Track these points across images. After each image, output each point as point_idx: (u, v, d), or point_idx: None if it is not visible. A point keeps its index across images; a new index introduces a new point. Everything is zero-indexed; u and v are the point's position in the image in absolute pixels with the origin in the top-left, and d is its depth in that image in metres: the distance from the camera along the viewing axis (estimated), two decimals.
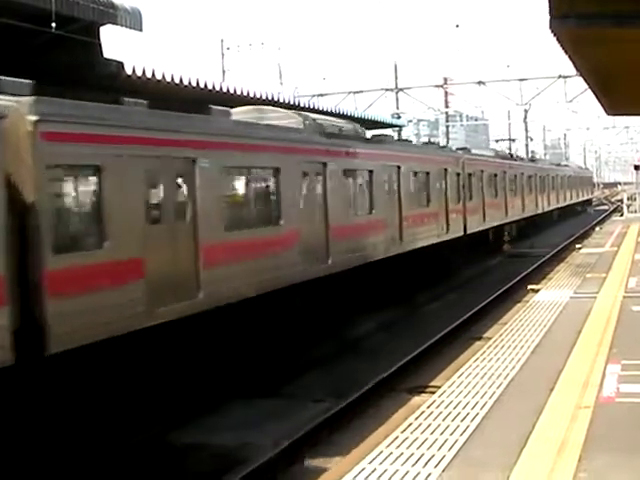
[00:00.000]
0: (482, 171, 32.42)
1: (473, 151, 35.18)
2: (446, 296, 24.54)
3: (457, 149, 37.64)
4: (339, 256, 17.47)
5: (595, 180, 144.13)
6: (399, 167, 22.02)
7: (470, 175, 30.28)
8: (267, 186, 15.52)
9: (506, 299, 23.14)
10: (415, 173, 23.81)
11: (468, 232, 29.03)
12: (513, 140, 66.26)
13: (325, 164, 17.36)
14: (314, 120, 18.31)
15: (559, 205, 55.99)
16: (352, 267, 18.20)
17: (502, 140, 52.91)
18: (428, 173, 24.88)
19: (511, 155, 46.27)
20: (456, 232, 27.54)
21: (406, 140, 28.12)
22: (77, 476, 10.20)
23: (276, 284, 14.80)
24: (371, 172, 20.02)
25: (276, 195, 15.46)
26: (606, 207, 77.42)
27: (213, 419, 12.50)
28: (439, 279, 25.93)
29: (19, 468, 9.67)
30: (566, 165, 72.25)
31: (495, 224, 34.45)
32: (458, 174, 28.54)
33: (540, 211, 47.01)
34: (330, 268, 17.16)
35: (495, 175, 34.96)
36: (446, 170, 26.88)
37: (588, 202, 79.51)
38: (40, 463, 9.92)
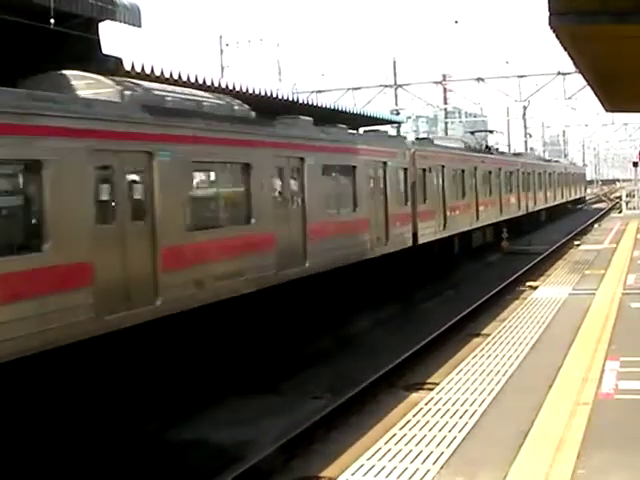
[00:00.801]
0: (443, 166, 27.00)
1: (436, 142, 30.51)
2: (444, 292, 24.54)
3: (417, 139, 34.74)
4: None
5: (594, 177, 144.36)
6: (302, 159, 16.69)
7: (425, 171, 24.90)
8: None
9: (505, 296, 23.14)
10: (329, 168, 18.10)
11: (420, 242, 23.62)
12: (490, 131, 59.33)
13: (151, 154, 11.97)
14: (143, 91, 12.96)
15: (547, 205, 51.17)
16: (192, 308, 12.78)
17: (478, 131, 45.54)
18: (354, 168, 19.32)
19: (488, 148, 39.82)
20: (400, 244, 22.09)
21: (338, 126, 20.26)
22: (75, 473, 10.19)
23: None
24: (247, 166, 14.63)
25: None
26: (603, 205, 75.99)
27: (211, 416, 12.49)
28: (438, 276, 25.93)
29: (17, 465, 9.66)
30: (556, 161, 68.82)
31: (462, 230, 29.21)
32: (405, 169, 22.97)
33: (523, 212, 42.02)
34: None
35: (462, 171, 29.83)
36: (385, 164, 21.27)
37: (581, 201, 76.04)
38: (38, 460, 9.91)
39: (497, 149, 43.13)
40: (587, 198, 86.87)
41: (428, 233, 24.63)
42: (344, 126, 21.12)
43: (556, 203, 55.32)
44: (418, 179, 24.24)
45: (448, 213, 27.06)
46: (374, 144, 21.20)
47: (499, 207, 35.82)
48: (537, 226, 46.85)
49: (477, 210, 31.44)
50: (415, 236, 23.37)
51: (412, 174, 23.58)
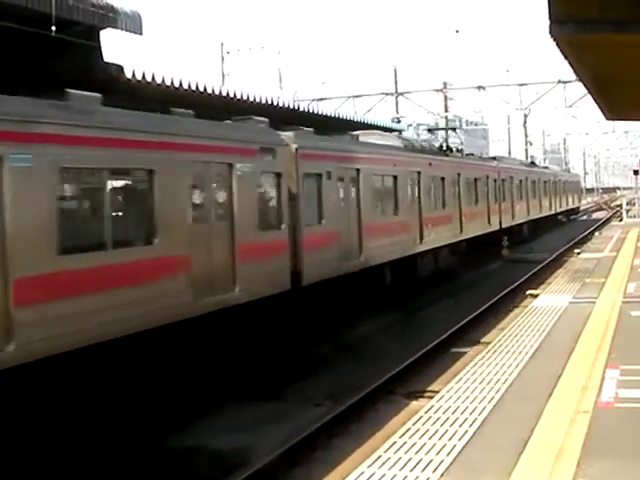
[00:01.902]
0: (357, 171, 19.73)
1: (361, 138, 22.22)
2: (445, 300, 24.52)
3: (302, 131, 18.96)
4: None
5: (594, 185, 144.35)
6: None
7: (319, 177, 17.84)
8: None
9: (505, 304, 23.12)
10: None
11: (307, 283, 16.74)
12: (453, 129, 42.06)
13: None
14: None
15: (531, 217, 44.35)
16: None
17: (437, 129, 38.98)
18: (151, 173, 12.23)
19: (446, 149, 31.97)
20: (261, 289, 14.94)
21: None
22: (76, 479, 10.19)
23: None
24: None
25: None
26: (601, 214, 73.45)
27: (211, 422, 12.49)
28: (438, 283, 25.92)
29: (17, 471, 9.66)
30: (545, 167, 62.42)
31: (396, 257, 22.12)
32: (278, 175, 15.94)
33: (495, 228, 34.76)
34: None
35: (395, 178, 22.46)
36: (232, 167, 14.29)
37: (575, 212, 69.66)
38: (39, 466, 9.91)
39: (460, 150, 34.44)
40: (585, 208, 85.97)
41: (326, 267, 17.45)
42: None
43: (543, 215, 48.69)
44: (304, 189, 17.00)
45: (367, 236, 19.75)
46: (213, 137, 14.17)
47: (459, 223, 28.82)
48: (519, 242, 41.34)
49: (422, 229, 24.34)
50: (297, 275, 16.33)
51: (292, 182, 16.48)
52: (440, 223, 26.37)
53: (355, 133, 22.10)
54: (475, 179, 31.95)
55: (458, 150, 34.09)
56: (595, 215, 74.47)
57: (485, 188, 33.53)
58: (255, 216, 14.95)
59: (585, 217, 72.77)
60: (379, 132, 26.01)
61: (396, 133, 28.80)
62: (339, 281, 18.39)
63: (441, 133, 42.63)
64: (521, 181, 41.90)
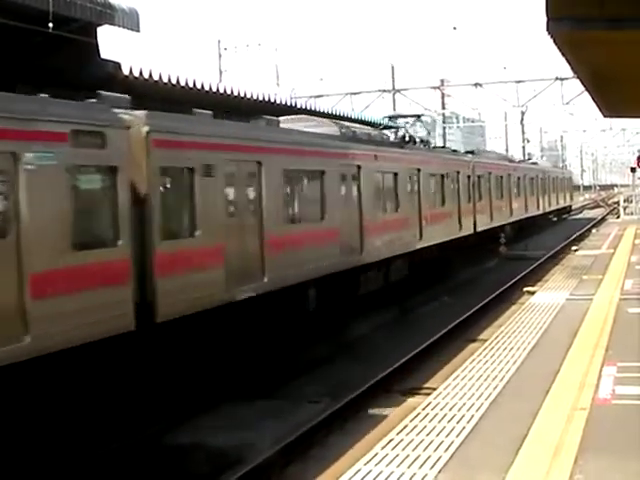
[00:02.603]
0: (259, 164, 14.85)
1: (282, 124, 17.80)
2: (442, 298, 24.53)
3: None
4: None
5: (592, 182, 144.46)
6: None
7: (190, 174, 12.96)
8: None
9: (502, 301, 23.13)
10: None
11: (162, 320, 11.98)
12: (418, 117, 32.28)
13: None
14: None
15: (512, 219, 39.18)
16: None
17: (399, 117, 32.56)
18: None
19: (407, 140, 27.50)
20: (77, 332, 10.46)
21: None
22: (73, 477, 10.18)
23: None
24: None
25: None
26: (593, 213, 70.85)
27: (209, 419, 12.49)
28: (434, 282, 25.92)
29: (14, 468, 9.66)
30: (533, 163, 56.41)
31: (325, 272, 17.37)
32: (112, 169, 11.13)
33: (468, 232, 29.77)
34: None
35: (322, 173, 17.75)
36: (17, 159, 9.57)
37: (566, 211, 64.32)
38: (35, 463, 9.91)
39: (426, 142, 29.64)
40: (582, 205, 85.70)
41: (192, 294, 12.57)
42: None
43: (528, 215, 43.79)
44: (156, 191, 12.08)
45: (272, 251, 14.91)
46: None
47: (418, 228, 23.75)
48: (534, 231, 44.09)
49: (362, 237, 19.40)
50: (150, 307, 11.69)
51: (139, 182, 11.73)
52: (390, 228, 21.34)
53: (276, 118, 17.71)
54: (442, 175, 26.98)
55: (423, 142, 29.05)
56: (592, 213, 74.25)
57: (455, 186, 28.65)
58: (80, 228, 10.65)
59: (580, 215, 72.24)
60: (314, 118, 21.20)
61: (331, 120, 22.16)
62: (250, 305, 14.30)
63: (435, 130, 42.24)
64: (502, 178, 37.25)
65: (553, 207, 54.40)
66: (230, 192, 14.14)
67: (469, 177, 30.60)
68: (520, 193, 41.80)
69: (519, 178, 41.93)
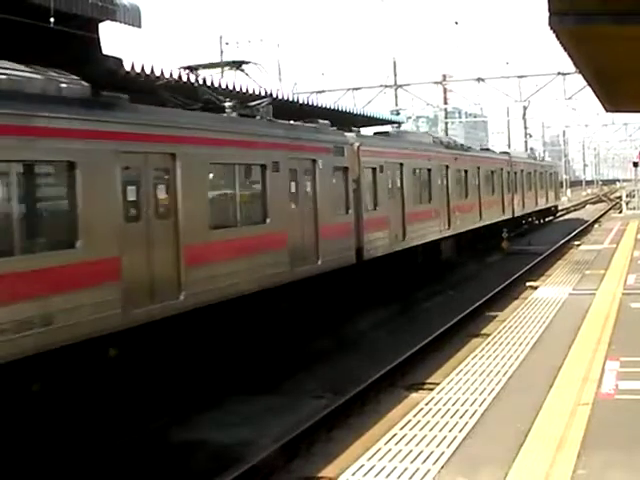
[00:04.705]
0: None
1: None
2: (444, 293, 24.53)
3: None
4: None
5: (594, 177, 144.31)
6: None
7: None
8: None
9: (505, 296, 23.13)
10: None
11: None
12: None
13: None
14: None
15: (469, 227, 30.30)
16: None
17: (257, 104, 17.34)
18: None
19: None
20: None
21: None
22: (76, 472, 10.20)
23: None
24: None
25: None
26: (598, 209, 67.88)
27: (212, 415, 12.50)
28: (438, 276, 25.92)
29: (18, 464, 9.68)
30: (505, 152, 43.15)
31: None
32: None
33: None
34: None
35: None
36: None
37: (551, 212, 53.40)
38: (39, 458, 9.93)
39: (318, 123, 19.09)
40: (584, 200, 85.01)
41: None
42: None
43: (485, 224, 32.87)
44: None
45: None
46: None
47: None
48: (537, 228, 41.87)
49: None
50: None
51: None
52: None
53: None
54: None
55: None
56: (594, 208, 73.91)
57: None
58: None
59: (582, 211, 71.74)
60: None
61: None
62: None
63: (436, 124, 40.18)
64: (444, 174, 27.32)
65: (529, 210, 43.82)
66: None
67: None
68: (469, 194, 30.85)
69: (466, 172, 30.57)
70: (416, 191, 24.53)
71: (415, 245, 23.93)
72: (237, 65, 18.24)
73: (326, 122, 19.34)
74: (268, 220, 15.48)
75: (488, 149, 42.84)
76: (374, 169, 21.01)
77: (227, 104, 16.14)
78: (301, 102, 23.02)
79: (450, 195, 27.89)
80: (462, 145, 34.74)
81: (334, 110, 25.63)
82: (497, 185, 36.17)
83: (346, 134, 20.01)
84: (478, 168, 32.66)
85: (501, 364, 10.17)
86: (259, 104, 16.86)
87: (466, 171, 30.67)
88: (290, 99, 22.29)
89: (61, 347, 10.12)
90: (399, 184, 23.04)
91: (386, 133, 26.45)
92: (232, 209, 14.74)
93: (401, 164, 23.13)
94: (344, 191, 19.03)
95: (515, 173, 40.17)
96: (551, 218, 53.22)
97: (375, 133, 26.53)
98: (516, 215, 39.83)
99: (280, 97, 21.14)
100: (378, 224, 20.94)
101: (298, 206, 16.80)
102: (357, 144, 20.09)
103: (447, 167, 27.94)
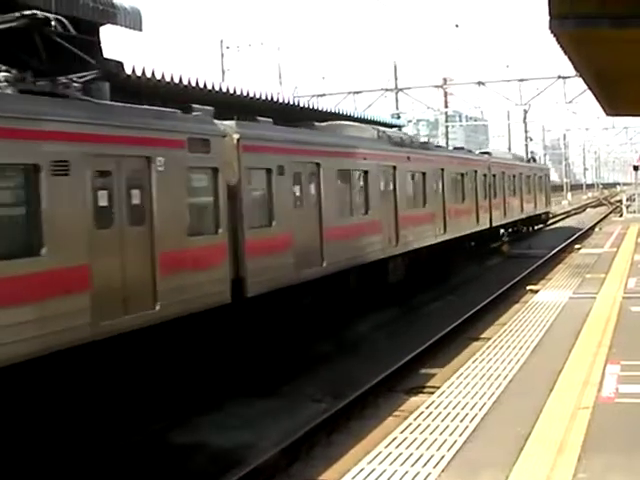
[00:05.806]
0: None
1: None
2: (445, 296, 24.52)
3: None
4: None
5: (594, 180, 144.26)
6: None
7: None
8: None
9: (505, 299, 23.12)
10: None
11: None
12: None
13: None
14: None
15: (433, 241, 25.24)
16: None
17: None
18: None
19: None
20: None
21: None
22: (76, 474, 10.19)
23: None
24: None
25: None
26: (598, 213, 66.15)
27: (212, 418, 12.48)
28: (438, 280, 25.90)
29: (16, 467, 9.67)
30: (486, 152, 39.68)
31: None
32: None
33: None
34: None
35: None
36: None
37: (541, 220, 48.65)
38: (38, 461, 9.92)
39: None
40: (583, 204, 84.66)
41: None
42: None
43: (457, 235, 28.06)
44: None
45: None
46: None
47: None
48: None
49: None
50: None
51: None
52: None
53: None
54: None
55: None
56: (595, 211, 73.82)
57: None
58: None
59: (582, 214, 71.59)
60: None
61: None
62: None
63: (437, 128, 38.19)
64: (366, 173, 20.67)
65: (513, 218, 39.08)
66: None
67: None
68: (438, 200, 26.47)
69: (424, 174, 25.17)
70: (343, 199, 19.03)
71: (343, 269, 18.49)
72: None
73: (207, 108, 14.55)
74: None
75: (488, 152, 39.99)
76: (268, 171, 15.62)
77: None
78: (302, 106, 23.02)
79: (398, 203, 22.34)
80: (426, 143, 29.59)
81: (335, 114, 25.66)
82: (470, 190, 30.48)
83: (220, 122, 14.39)
84: (442, 170, 26.98)
85: (501, 368, 10.16)
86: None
87: (424, 173, 24.96)
88: (291, 102, 22.31)
89: (26, 361, 9.39)
90: (313, 191, 17.57)
91: (312, 125, 20.31)
92: None
93: (317, 164, 17.59)
94: (212, 202, 13.65)
95: (494, 176, 34.79)
96: (541, 226, 48.70)
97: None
98: (494, 225, 34.30)
99: (280, 100, 21.16)
100: (273, 246, 15.44)
101: (110, 227, 11.14)
102: (236, 136, 14.61)
103: (394, 168, 22.35)
